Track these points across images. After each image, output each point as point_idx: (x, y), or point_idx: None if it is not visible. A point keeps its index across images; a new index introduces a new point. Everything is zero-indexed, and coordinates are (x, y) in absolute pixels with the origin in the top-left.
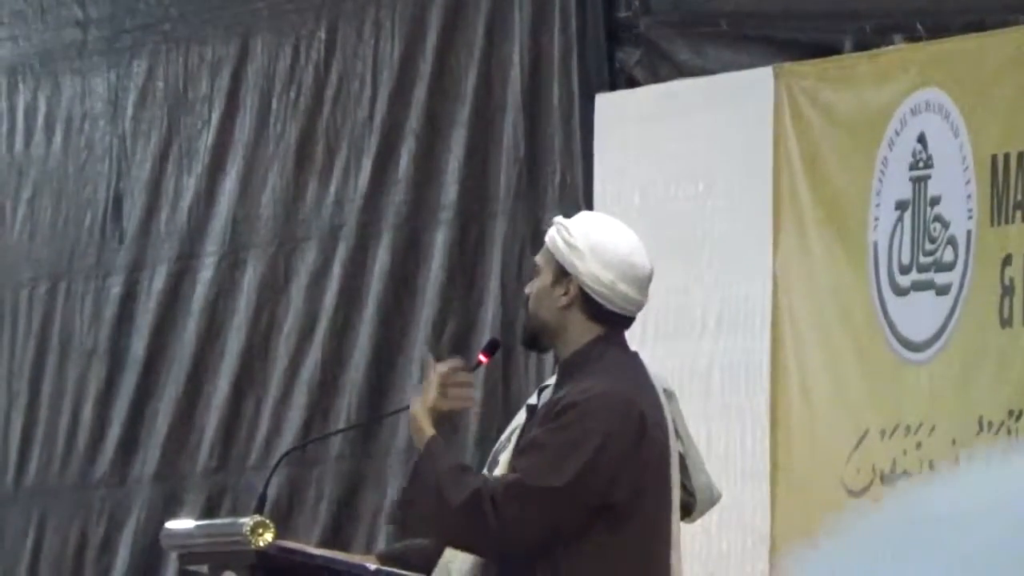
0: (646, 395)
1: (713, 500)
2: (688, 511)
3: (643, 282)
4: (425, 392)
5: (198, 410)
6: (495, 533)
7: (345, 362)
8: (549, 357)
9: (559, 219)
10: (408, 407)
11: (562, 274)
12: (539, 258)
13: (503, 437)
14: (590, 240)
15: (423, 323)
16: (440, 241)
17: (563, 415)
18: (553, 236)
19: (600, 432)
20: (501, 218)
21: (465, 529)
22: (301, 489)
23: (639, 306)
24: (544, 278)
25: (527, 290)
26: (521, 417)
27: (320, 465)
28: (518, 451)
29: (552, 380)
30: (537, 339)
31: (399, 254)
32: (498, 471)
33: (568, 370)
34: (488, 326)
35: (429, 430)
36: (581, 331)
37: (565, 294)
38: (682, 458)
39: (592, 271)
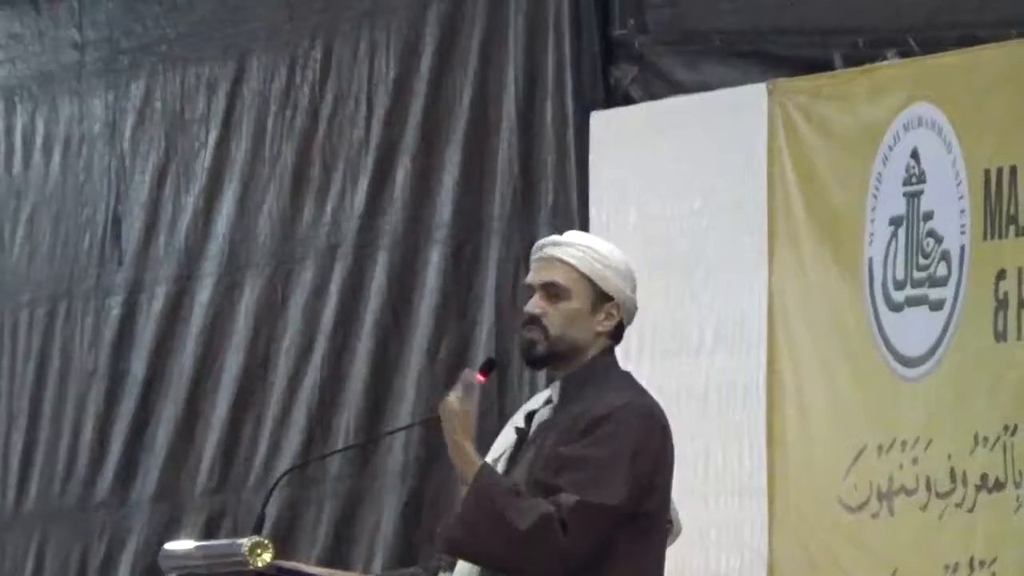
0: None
1: (678, 533)
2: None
3: None
4: (466, 418)
5: (197, 431)
6: (565, 555)
7: (343, 381)
8: (544, 376)
9: (575, 240)
10: (415, 422)
11: (603, 299)
12: (564, 279)
13: (488, 460)
14: (621, 262)
15: (419, 342)
16: (435, 260)
17: (596, 428)
18: (584, 259)
19: (635, 443)
20: (496, 237)
21: (536, 553)
22: (300, 509)
23: None
24: (579, 301)
25: (536, 310)
26: (507, 439)
27: (319, 485)
28: (552, 469)
29: (538, 401)
30: (556, 360)
31: (395, 273)
32: None
33: (573, 385)
34: (483, 344)
35: (477, 457)
36: (597, 349)
37: (607, 319)
38: None
39: (631, 297)
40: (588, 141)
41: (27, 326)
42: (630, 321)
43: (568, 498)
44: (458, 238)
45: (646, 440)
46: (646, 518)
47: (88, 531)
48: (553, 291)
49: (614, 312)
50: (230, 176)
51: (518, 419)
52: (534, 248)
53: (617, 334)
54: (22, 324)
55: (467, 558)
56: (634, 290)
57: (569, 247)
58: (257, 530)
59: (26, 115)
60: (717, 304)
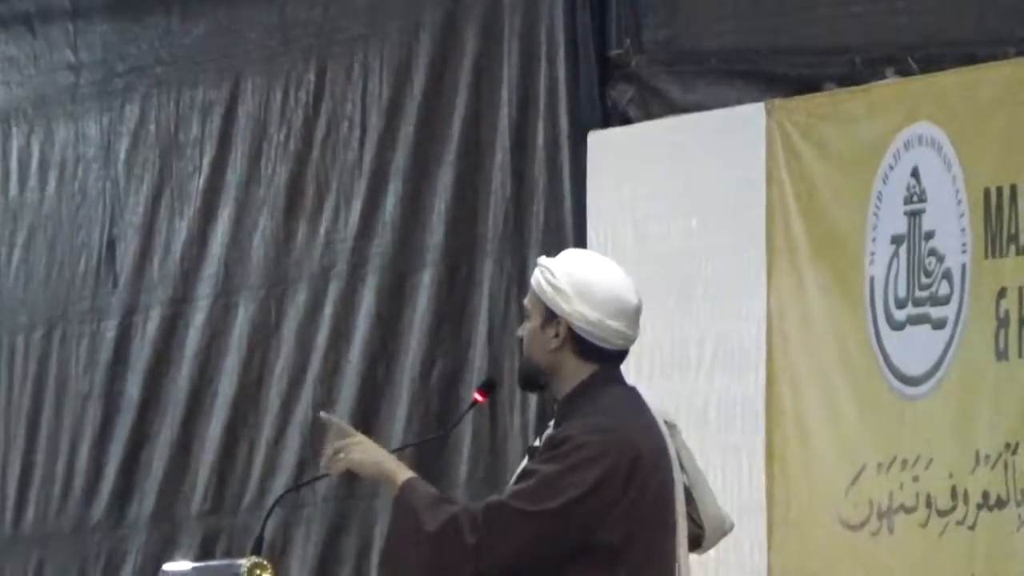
0: (645, 432)
1: (725, 530)
2: (698, 543)
3: (632, 316)
4: (366, 448)
5: (193, 452)
6: (472, 552)
7: (335, 403)
8: (536, 397)
9: (543, 260)
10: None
11: (551, 316)
12: (527, 301)
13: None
14: (573, 280)
15: (411, 364)
16: (428, 282)
17: (558, 447)
18: (538, 278)
19: (594, 472)
20: (488, 258)
21: (442, 551)
22: (291, 530)
23: (631, 340)
24: (534, 321)
25: (519, 333)
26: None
27: (308, 507)
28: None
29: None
30: (533, 380)
31: (388, 295)
32: None
33: (566, 409)
34: (476, 366)
35: (406, 470)
36: (575, 370)
37: (556, 336)
38: (688, 490)
39: (579, 311)
40: (583, 161)
41: (24, 349)
42: (607, 340)
43: (487, 500)
44: (450, 260)
45: (609, 472)
46: (606, 551)
47: (85, 552)
48: (525, 313)
49: (559, 329)
50: (224, 199)
51: (535, 440)
52: None
53: (594, 355)
54: (19, 347)
55: (391, 572)
56: (596, 307)
57: (537, 267)
58: (256, 551)
59: (22, 138)
60: (716, 323)
